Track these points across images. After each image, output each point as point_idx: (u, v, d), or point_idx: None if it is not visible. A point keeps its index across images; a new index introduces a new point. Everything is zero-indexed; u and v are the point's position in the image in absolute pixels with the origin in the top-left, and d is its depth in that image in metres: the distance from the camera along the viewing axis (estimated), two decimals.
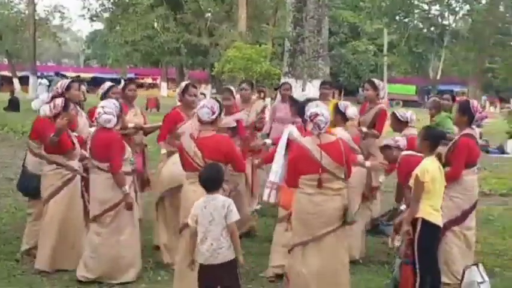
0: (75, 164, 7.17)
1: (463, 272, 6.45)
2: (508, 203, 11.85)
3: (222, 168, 5.66)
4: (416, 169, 5.98)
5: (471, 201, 6.86)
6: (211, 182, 5.39)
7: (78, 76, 39.93)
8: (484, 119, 7.13)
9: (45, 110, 7.15)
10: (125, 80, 10.64)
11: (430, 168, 5.93)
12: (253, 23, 33.94)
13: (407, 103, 45.66)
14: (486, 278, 6.37)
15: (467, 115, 6.81)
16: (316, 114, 5.78)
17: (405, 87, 60.16)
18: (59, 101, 7.13)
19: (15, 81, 41.47)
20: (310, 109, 5.89)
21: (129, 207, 6.65)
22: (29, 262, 7.32)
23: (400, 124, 8.09)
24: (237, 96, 9.44)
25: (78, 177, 7.24)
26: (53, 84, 31.90)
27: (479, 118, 6.88)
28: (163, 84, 53.83)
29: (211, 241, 5.23)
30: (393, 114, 8.22)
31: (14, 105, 29.98)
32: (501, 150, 20.28)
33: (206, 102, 6.22)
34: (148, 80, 64.06)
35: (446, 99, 9.05)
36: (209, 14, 37.82)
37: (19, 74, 43.28)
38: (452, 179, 6.53)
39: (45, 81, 33.42)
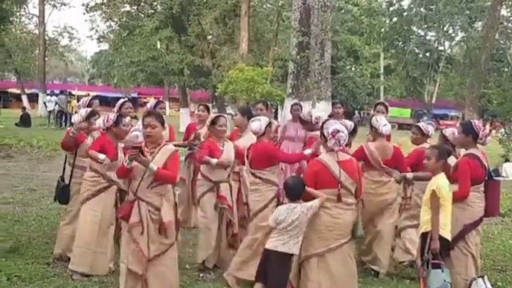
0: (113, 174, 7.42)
1: (470, 284, 6.64)
2: (507, 222, 12.41)
3: (303, 181, 6.38)
4: (431, 185, 6.41)
5: (473, 217, 6.83)
6: (293, 192, 6.27)
7: (88, 94, 40.90)
8: (488, 137, 7.10)
9: (100, 123, 7.70)
10: (128, 99, 11.40)
11: (444, 184, 6.38)
12: (254, 46, 34.58)
13: (402, 126, 46.40)
14: None
15: (471, 135, 6.95)
16: (338, 131, 6.20)
17: (401, 111, 60.88)
18: (112, 116, 7.67)
19: (24, 98, 42.14)
20: (332, 126, 6.28)
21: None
22: (60, 266, 7.80)
23: (422, 137, 8.49)
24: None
25: (115, 187, 7.65)
26: (60, 102, 32.87)
27: (484, 136, 6.97)
28: (165, 104, 54.53)
29: (286, 236, 6.15)
30: (417, 126, 8.60)
31: (25, 121, 30.98)
32: (496, 173, 20.94)
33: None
34: (152, 100, 64.60)
35: None
36: (211, 37, 38.53)
37: (27, 91, 44.02)
38: (461, 198, 6.67)
39: (54, 98, 34.27)
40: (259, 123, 7.51)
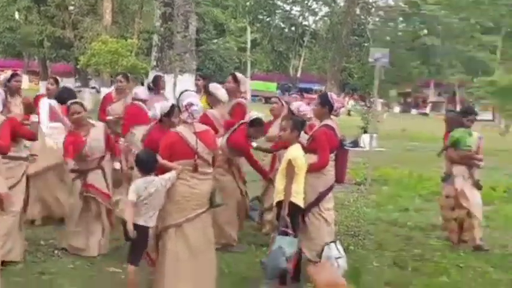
0: None
1: (322, 248, 6.79)
2: (362, 190, 13.06)
3: (155, 154, 6.18)
4: (288, 155, 6.49)
5: (326, 184, 7.03)
6: (146, 165, 6.09)
7: None
8: (342, 109, 7.35)
9: None
10: None
11: (299, 154, 6.49)
12: (119, 17, 33.90)
13: (268, 100, 47.18)
14: (343, 254, 6.82)
15: (327, 106, 7.10)
16: (191, 104, 6.11)
17: (267, 84, 61.87)
18: None
19: None
20: (186, 99, 6.22)
21: None
22: None
23: (282, 107, 8.84)
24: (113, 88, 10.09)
25: None
26: None
27: (338, 108, 7.15)
28: (25, 77, 52.55)
29: (143, 209, 6.02)
30: (278, 97, 9.14)
31: None
32: (355, 143, 21.83)
33: None
34: (9, 72, 62.03)
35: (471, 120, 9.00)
36: (73, 7, 37.33)
37: None
38: (320, 168, 6.89)
39: None
40: (154, 110, 7.31)
